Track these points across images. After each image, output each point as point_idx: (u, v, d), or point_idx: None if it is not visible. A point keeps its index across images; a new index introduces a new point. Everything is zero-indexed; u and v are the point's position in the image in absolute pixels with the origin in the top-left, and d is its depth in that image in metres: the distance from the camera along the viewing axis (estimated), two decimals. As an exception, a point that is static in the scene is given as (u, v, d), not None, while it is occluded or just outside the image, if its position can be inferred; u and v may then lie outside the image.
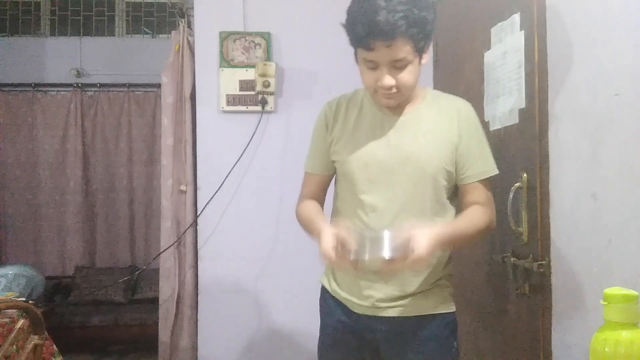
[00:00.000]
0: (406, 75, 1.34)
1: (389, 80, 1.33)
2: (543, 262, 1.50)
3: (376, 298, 1.43)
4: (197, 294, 2.93)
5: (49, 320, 1.95)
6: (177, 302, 3.01)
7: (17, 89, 4.67)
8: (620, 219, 1.21)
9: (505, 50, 1.73)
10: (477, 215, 1.41)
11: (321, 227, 1.33)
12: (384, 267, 1.26)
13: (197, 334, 2.91)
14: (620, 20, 1.22)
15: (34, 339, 1.66)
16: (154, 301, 3.42)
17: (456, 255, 2.21)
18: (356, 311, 1.47)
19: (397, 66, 1.32)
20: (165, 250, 3.01)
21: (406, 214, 1.39)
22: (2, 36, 4.85)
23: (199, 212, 2.88)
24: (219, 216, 2.86)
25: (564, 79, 1.43)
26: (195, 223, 2.94)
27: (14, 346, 2.07)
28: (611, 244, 1.24)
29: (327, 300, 1.54)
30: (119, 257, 4.74)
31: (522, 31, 1.62)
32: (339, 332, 1.51)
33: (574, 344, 1.38)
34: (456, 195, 1.49)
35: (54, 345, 2.60)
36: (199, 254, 2.90)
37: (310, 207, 1.51)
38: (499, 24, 1.76)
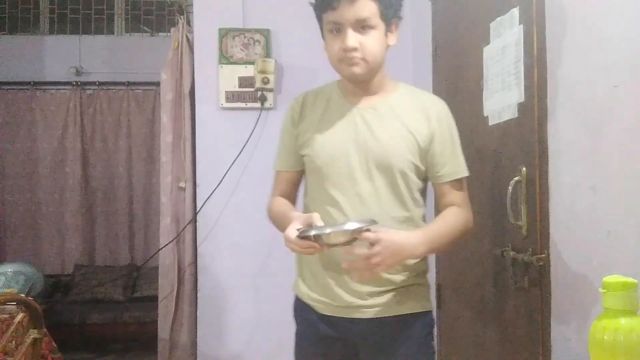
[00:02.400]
0: (370, 40, 1.34)
1: (352, 40, 1.32)
2: (542, 255, 1.50)
3: (347, 299, 1.39)
4: (196, 291, 2.92)
5: (48, 318, 1.95)
6: (177, 299, 3.01)
7: (16, 87, 4.67)
8: (620, 211, 1.21)
9: (504, 45, 1.73)
10: (453, 217, 1.40)
11: (292, 217, 1.31)
12: (347, 252, 1.23)
13: (196, 331, 2.91)
14: (618, 12, 1.22)
15: (33, 333, 1.66)
16: (153, 299, 3.42)
17: (455, 250, 2.22)
18: (329, 313, 1.42)
19: (361, 26, 1.32)
20: (164, 246, 3.01)
21: (376, 209, 1.36)
22: (2, 34, 4.85)
23: (198, 209, 2.88)
24: (219, 213, 2.86)
25: (563, 72, 1.43)
26: (194, 220, 2.94)
27: (13, 342, 2.06)
28: (610, 236, 1.24)
29: (300, 306, 1.50)
30: (119, 255, 4.74)
31: (521, 25, 1.62)
32: (314, 338, 1.46)
33: (573, 337, 1.38)
34: (425, 192, 1.48)
35: (53, 342, 2.60)
36: (198, 251, 2.90)
37: (281, 203, 1.49)
38: (498, 18, 1.76)
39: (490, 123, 1.83)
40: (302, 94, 1.52)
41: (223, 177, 2.83)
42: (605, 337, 0.83)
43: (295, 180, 1.53)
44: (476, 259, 1.98)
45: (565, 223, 1.43)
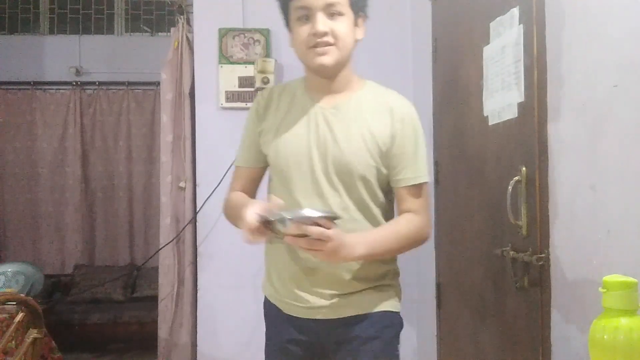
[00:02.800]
0: (341, 26, 1.30)
1: (323, 25, 1.28)
2: (542, 255, 1.50)
3: (310, 300, 1.37)
4: (196, 291, 2.92)
5: (48, 318, 1.95)
6: (177, 299, 3.01)
7: (16, 87, 4.67)
8: (620, 211, 1.21)
9: (504, 45, 1.73)
10: (404, 224, 1.35)
11: (248, 204, 1.24)
12: (290, 241, 1.16)
13: (196, 331, 2.91)
14: (618, 11, 1.22)
15: (33, 333, 1.66)
16: (153, 299, 3.42)
17: (455, 250, 2.22)
18: (294, 314, 1.40)
19: (331, 12, 1.29)
20: (164, 246, 3.01)
21: (339, 212, 1.31)
22: (2, 34, 4.85)
23: (198, 209, 2.88)
24: (218, 213, 2.84)
25: (563, 72, 1.43)
26: (194, 220, 2.94)
27: (13, 342, 2.06)
28: (610, 235, 1.24)
29: (268, 306, 1.48)
30: (118, 255, 4.74)
31: (521, 25, 1.62)
32: (281, 339, 1.44)
33: (573, 337, 1.38)
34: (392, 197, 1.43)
35: (53, 342, 2.60)
36: (198, 251, 2.90)
37: (239, 196, 1.43)
38: (498, 18, 1.76)
39: (490, 123, 1.83)
40: (269, 89, 1.48)
41: (223, 177, 2.83)
42: (605, 337, 0.83)
43: (256, 177, 1.48)
44: (476, 258, 1.98)
45: (565, 223, 1.43)
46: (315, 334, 1.40)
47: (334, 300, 1.36)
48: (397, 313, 1.42)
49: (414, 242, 1.37)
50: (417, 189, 1.38)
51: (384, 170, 1.37)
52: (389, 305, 1.41)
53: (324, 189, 1.34)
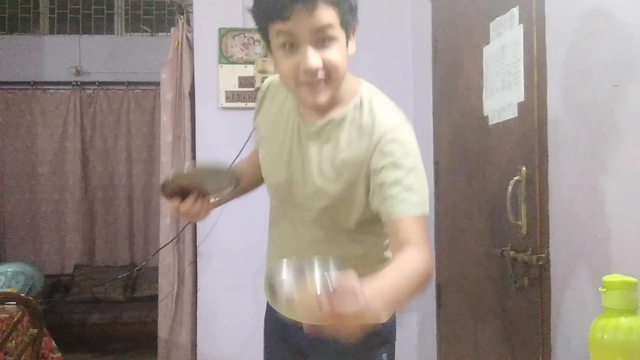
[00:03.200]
0: (334, 55, 1.07)
1: (314, 60, 1.05)
2: (542, 254, 1.50)
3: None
4: (196, 291, 2.92)
5: (48, 318, 1.95)
6: (176, 299, 3.01)
7: (16, 87, 4.67)
8: (620, 210, 1.21)
9: (504, 45, 1.73)
10: (409, 263, 1.05)
11: None
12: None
13: (196, 331, 2.91)
14: (618, 11, 1.22)
15: (33, 332, 1.66)
16: (153, 299, 3.42)
17: (454, 250, 2.22)
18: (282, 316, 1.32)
19: (321, 37, 1.06)
20: (164, 246, 3.01)
21: (317, 247, 1.18)
22: (1, 34, 4.85)
23: (198, 209, 2.88)
24: (218, 212, 2.83)
25: (563, 71, 1.43)
26: (194, 220, 2.94)
27: (13, 341, 2.06)
28: (610, 235, 1.24)
29: (267, 307, 1.45)
30: (118, 255, 4.74)
31: (521, 25, 1.62)
32: (271, 337, 1.42)
33: (573, 337, 1.38)
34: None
35: (53, 342, 2.60)
36: (198, 251, 2.90)
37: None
38: (498, 18, 1.76)
39: (490, 123, 1.83)
40: (270, 80, 1.33)
41: (223, 177, 2.83)
42: (605, 336, 0.83)
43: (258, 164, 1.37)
44: (476, 258, 1.98)
45: (565, 222, 1.43)
46: (299, 338, 1.30)
47: None
48: (384, 324, 1.27)
49: (423, 283, 1.08)
50: (418, 220, 1.11)
51: (357, 196, 1.17)
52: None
53: (294, 217, 1.25)
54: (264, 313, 1.49)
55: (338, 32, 1.08)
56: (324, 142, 1.19)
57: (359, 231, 1.21)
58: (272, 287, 0.92)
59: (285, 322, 1.23)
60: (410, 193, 1.10)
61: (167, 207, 3.01)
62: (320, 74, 1.08)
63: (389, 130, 1.14)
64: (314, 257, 0.95)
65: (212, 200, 1.23)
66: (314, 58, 1.06)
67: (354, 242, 1.22)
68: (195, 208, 1.20)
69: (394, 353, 1.32)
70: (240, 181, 1.24)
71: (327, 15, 1.05)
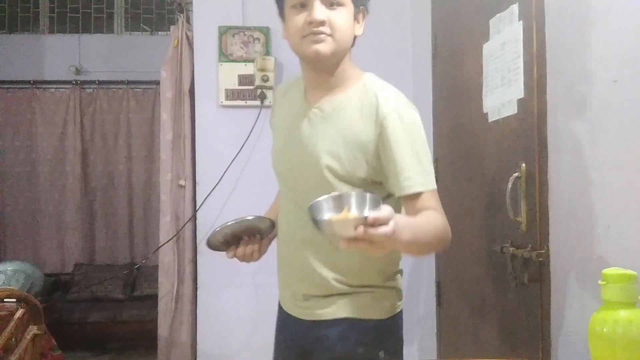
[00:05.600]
0: (339, 16, 1.20)
1: (320, 13, 1.17)
2: (542, 251, 1.50)
3: (292, 295, 1.36)
4: (196, 289, 2.92)
5: (47, 316, 1.95)
6: (176, 297, 3.01)
7: (16, 86, 4.67)
8: (619, 206, 1.21)
9: (503, 42, 1.73)
10: (433, 217, 1.16)
11: None
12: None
13: (196, 329, 2.91)
14: (617, 7, 1.22)
15: (33, 329, 1.66)
16: (153, 297, 3.42)
17: (454, 247, 2.22)
18: (286, 309, 1.40)
19: (329, 1, 1.19)
20: (164, 244, 3.01)
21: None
22: (1, 33, 4.85)
23: (198, 207, 2.88)
24: (218, 211, 2.86)
25: (562, 68, 1.43)
26: (194, 217, 2.94)
27: (13, 339, 2.06)
28: (610, 230, 1.24)
29: (279, 305, 1.50)
30: (118, 254, 4.74)
31: (521, 21, 1.62)
32: (279, 334, 1.47)
33: (573, 332, 1.38)
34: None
35: (53, 340, 2.60)
36: (198, 249, 2.90)
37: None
38: (498, 15, 1.76)
39: (490, 119, 1.83)
40: (281, 84, 1.50)
41: (223, 175, 2.83)
42: (604, 329, 0.83)
43: None
44: (476, 255, 1.98)
45: (565, 218, 1.43)
46: (301, 334, 1.35)
47: (308, 302, 1.32)
48: (381, 320, 1.30)
49: (441, 242, 1.19)
50: (431, 193, 1.20)
51: (376, 179, 1.22)
52: (370, 312, 1.29)
53: (299, 199, 1.28)
54: (276, 320, 1.52)
55: (346, 0, 1.20)
56: (329, 121, 1.25)
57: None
58: (313, 210, 0.99)
59: (292, 327, 1.36)
60: (419, 168, 1.19)
61: (165, 206, 3.02)
62: (324, 28, 1.18)
63: (394, 109, 1.21)
64: (352, 192, 1.06)
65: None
66: (320, 10, 1.18)
67: None
68: (248, 250, 1.37)
69: (397, 345, 1.35)
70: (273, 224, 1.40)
71: None
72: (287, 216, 1.37)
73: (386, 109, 1.21)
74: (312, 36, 1.19)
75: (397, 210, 1.23)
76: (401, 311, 1.36)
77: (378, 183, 1.23)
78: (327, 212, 0.99)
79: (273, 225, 1.41)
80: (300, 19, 1.20)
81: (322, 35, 1.19)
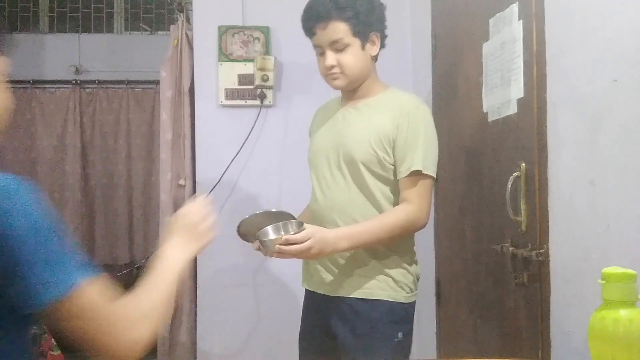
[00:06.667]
0: (347, 57, 1.57)
1: (330, 60, 1.57)
2: (542, 250, 1.50)
3: (322, 275, 1.63)
4: (196, 289, 2.92)
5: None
6: (176, 297, 3.00)
7: (15, 85, 4.59)
8: (619, 205, 1.21)
9: (503, 41, 1.73)
10: (392, 213, 1.54)
11: None
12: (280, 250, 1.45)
13: (196, 329, 2.91)
14: (617, 6, 1.22)
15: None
16: (153, 297, 3.41)
17: (454, 246, 2.22)
18: (309, 287, 1.71)
19: (337, 48, 1.56)
20: (164, 244, 3.01)
21: (345, 204, 1.58)
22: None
23: (197, 207, 2.88)
24: (218, 210, 2.86)
25: (562, 67, 1.43)
26: (194, 217, 2.94)
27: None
28: (610, 230, 1.24)
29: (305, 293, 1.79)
30: (118, 254, 4.73)
31: (521, 21, 1.62)
32: (305, 316, 1.74)
33: (573, 332, 1.38)
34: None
35: (53, 339, 2.60)
36: (198, 248, 2.89)
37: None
38: (497, 14, 1.76)
39: (490, 119, 1.83)
40: (316, 112, 1.86)
41: (223, 175, 2.83)
42: (604, 328, 0.83)
43: None
44: (475, 254, 1.98)
45: (565, 218, 1.43)
46: (326, 311, 1.64)
47: (336, 279, 1.61)
48: (394, 303, 1.59)
49: (404, 230, 1.54)
50: (411, 179, 1.54)
51: (388, 160, 1.56)
52: (385, 294, 1.58)
53: (334, 174, 1.61)
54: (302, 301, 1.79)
55: (350, 40, 1.56)
56: (361, 115, 1.63)
57: (379, 192, 1.59)
58: (260, 236, 1.56)
59: (321, 305, 1.66)
60: (412, 156, 1.53)
61: (165, 205, 3.02)
62: (335, 70, 1.59)
63: (412, 108, 1.58)
64: (284, 222, 1.52)
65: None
66: (330, 59, 1.58)
67: (373, 202, 1.59)
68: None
69: (411, 332, 1.64)
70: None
71: (338, 29, 1.55)
72: (315, 191, 1.71)
73: (407, 109, 1.57)
74: (329, 76, 1.62)
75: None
76: (411, 301, 1.65)
77: (390, 166, 1.57)
78: (270, 230, 1.54)
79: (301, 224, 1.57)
80: (322, 62, 1.62)
81: (335, 74, 1.60)
